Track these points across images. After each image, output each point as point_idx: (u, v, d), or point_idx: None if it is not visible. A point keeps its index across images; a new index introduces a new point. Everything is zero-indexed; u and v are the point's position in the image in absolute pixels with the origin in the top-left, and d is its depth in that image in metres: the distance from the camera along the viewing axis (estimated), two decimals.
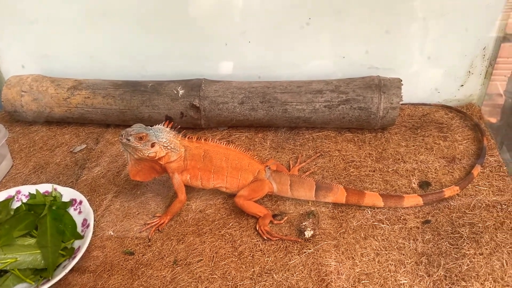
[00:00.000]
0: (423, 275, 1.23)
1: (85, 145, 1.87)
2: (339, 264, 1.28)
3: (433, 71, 1.88)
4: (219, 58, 1.95)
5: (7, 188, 1.56)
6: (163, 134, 1.39)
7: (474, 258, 1.26)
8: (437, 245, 1.31)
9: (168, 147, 1.39)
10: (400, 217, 1.41)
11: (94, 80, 1.94)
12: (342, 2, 1.75)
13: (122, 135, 1.36)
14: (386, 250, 1.31)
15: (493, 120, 1.86)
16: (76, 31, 1.97)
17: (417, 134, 1.76)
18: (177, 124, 1.46)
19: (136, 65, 2.01)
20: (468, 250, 1.29)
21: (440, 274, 1.23)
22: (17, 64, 2.09)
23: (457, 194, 1.46)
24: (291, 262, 1.30)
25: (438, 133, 1.76)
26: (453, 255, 1.28)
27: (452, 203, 1.45)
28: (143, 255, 1.36)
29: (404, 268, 1.26)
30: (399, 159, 1.65)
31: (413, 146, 1.70)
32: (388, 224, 1.39)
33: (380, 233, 1.37)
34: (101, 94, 1.87)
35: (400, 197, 1.43)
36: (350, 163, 1.65)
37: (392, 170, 1.60)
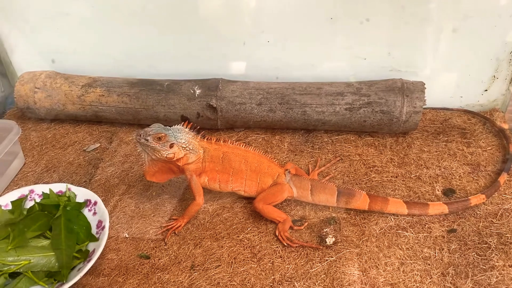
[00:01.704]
0: (450, 287, 1.19)
1: (99, 144, 1.83)
2: (363, 274, 1.24)
3: (456, 75, 1.83)
4: (236, 58, 1.91)
5: (19, 187, 1.53)
6: (182, 135, 1.35)
7: (503, 270, 1.22)
8: (464, 255, 1.27)
9: (186, 148, 1.35)
10: (425, 225, 1.37)
11: (108, 78, 1.90)
12: (364, 3, 1.70)
13: (140, 135, 1.32)
14: (411, 260, 1.27)
15: None
16: (91, 28, 1.94)
17: (440, 140, 1.71)
18: (196, 124, 1.42)
19: (152, 64, 1.97)
20: (497, 262, 1.24)
21: (469, 286, 1.18)
22: (30, 61, 2.05)
23: (483, 203, 1.41)
24: (313, 270, 1.26)
25: (461, 138, 1.71)
26: (481, 266, 1.23)
27: (478, 212, 1.40)
28: (159, 259, 1.32)
29: (430, 279, 1.21)
30: (421, 165, 1.60)
31: (436, 151, 1.65)
32: (412, 233, 1.34)
33: (404, 242, 1.32)
34: (116, 92, 1.83)
35: (425, 204, 1.38)
36: (371, 168, 1.60)
37: (415, 176, 1.55)
